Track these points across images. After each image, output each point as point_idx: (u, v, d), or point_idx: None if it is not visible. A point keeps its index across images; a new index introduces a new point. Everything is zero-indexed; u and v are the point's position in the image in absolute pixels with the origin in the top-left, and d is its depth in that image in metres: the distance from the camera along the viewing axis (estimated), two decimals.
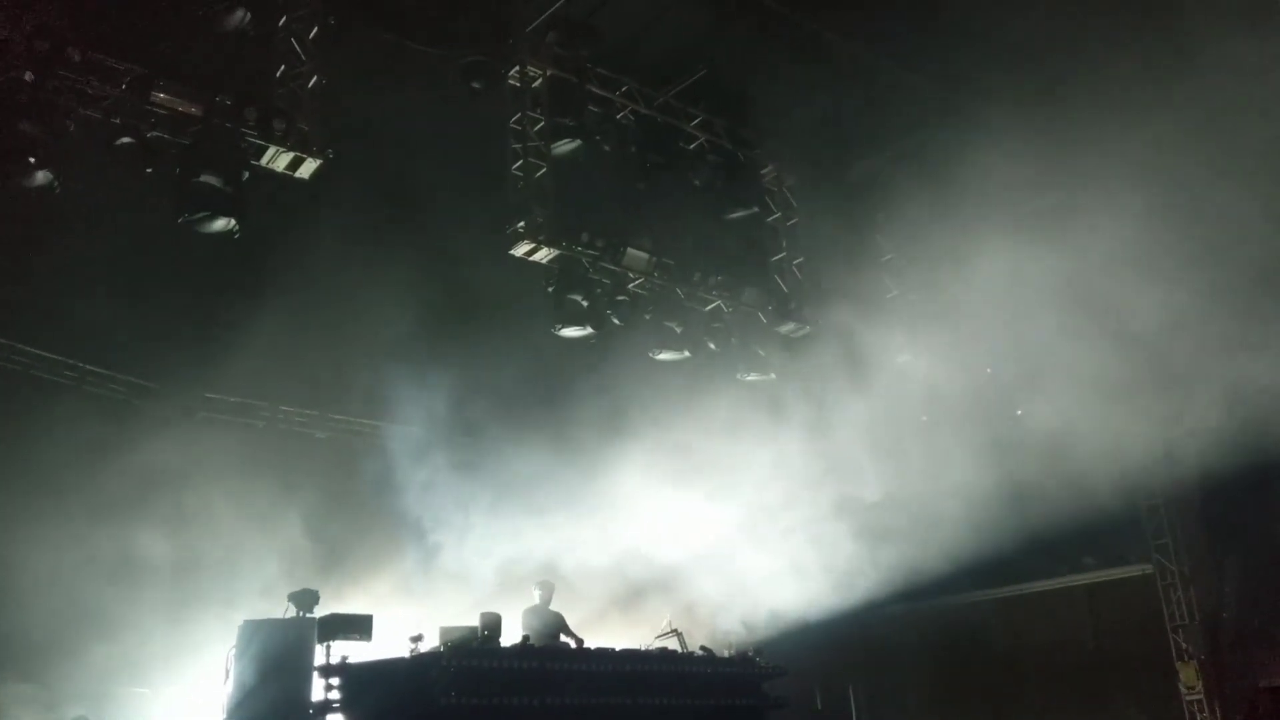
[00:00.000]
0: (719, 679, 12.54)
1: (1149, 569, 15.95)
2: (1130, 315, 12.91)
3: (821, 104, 13.58)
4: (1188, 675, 15.09)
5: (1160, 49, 11.36)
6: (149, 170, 10.44)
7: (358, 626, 10.39)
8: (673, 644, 12.70)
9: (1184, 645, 15.25)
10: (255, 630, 10.30)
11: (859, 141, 14.64)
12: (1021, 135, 13.19)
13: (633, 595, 13.92)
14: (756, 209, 14.97)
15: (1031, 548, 15.30)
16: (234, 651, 10.24)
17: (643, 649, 12.25)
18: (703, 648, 12.79)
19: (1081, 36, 12.02)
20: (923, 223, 15.59)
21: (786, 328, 15.05)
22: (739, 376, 15.01)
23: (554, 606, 12.17)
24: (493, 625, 10.95)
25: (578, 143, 13.06)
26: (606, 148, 13.44)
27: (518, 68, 12.80)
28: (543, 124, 12.93)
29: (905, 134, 14.77)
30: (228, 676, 10.22)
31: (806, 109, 13.62)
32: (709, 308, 14.88)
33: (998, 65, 12.43)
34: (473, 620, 10.79)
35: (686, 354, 14.43)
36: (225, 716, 10.12)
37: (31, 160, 9.81)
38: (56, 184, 9.97)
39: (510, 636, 11.04)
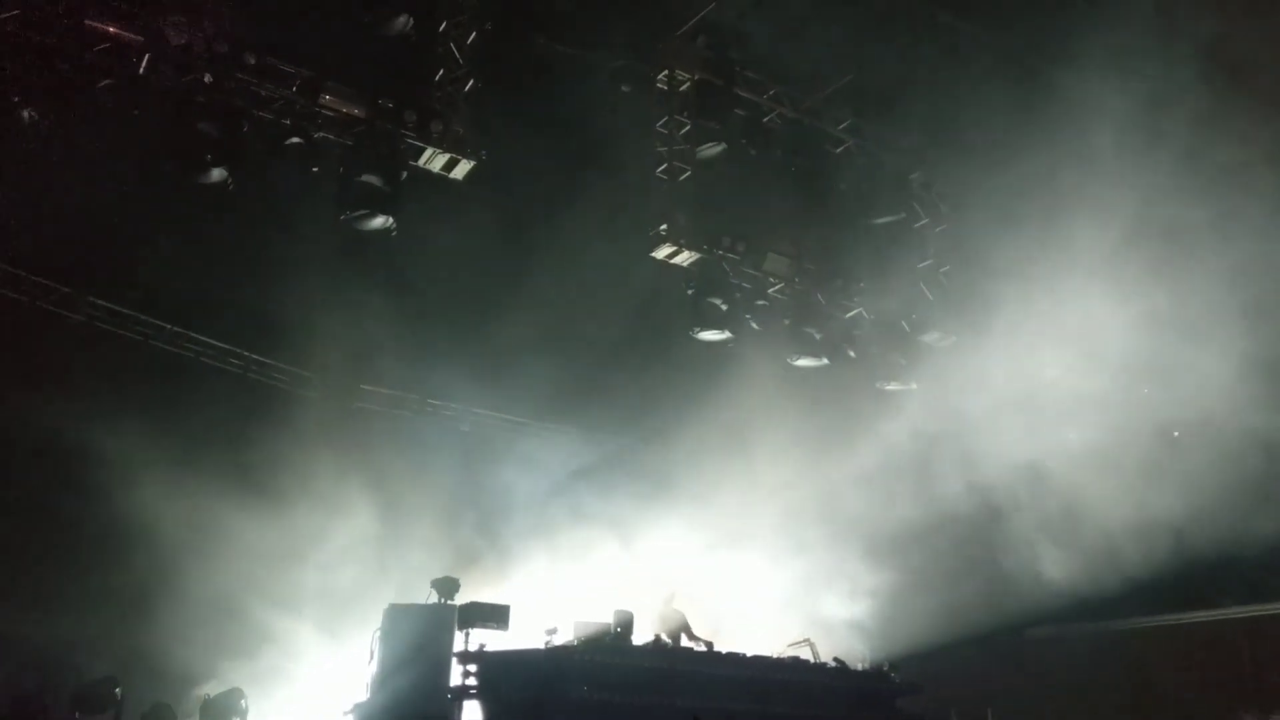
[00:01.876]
0: (852, 692, 12.35)
1: None
2: None
3: (974, 107, 13.22)
4: None
5: None
6: (315, 169, 10.93)
7: (495, 616, 10.65)
8: (804, 653, 12.56)
9: None
10: (400, 614, 10.66)
11: (1013, 145, 14.19)
12: (1194, 141, 12.63)
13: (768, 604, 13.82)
14: (904, 214, 14.65)
15: (1190, 576, 14.52)
16: (379, 633, 10.61)
17: (774, 657, 12.16)
18: (836, 659, 12.61)
19: None
20: (1080, 232, 15.04)
21: (930, 336, 14.70)
22: (879, 385, 14.75)
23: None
24: (626, 623, 11.07)
25: (723, 146, 13.06)
26: (752, 151, 13.38)
27: (666, 71, 12.90)
28: (689, 127, 12.98)
29: (1063, 138, 14.24)
30: (372, 657, 10.59)
31: (958, 112, 13.28)
32: (850, 314, 14.68)
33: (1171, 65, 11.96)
34: (606, 616, 10.93)
35: (825, 361, 14.25)
36: (369, 695, 10.48)
37: (209, 158, 10.41)
38: (230, 182, 10.54)
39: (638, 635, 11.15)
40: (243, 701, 11.63)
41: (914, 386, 14.79)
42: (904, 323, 14.84)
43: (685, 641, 11.84)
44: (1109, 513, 13.71)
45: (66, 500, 11.61)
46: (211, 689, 11.68)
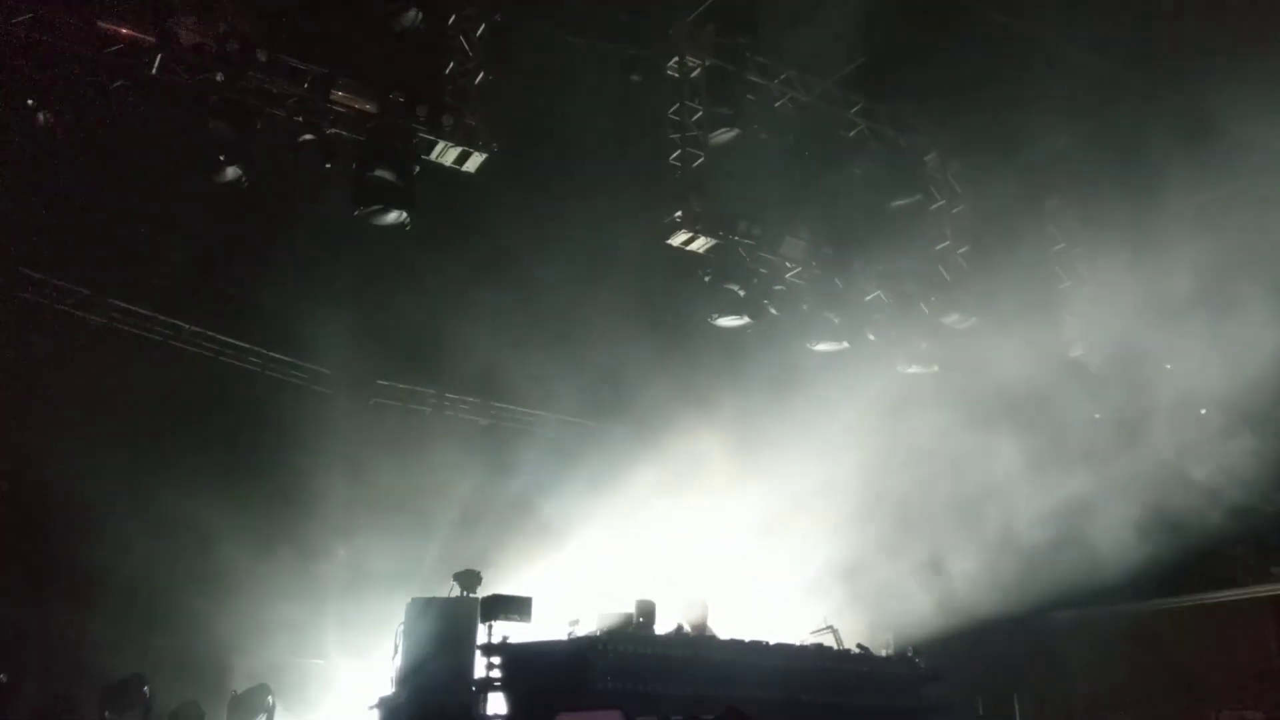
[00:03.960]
0: (875, 678, 12.34)
1: None
2: None
3: (989, 87, 13.07)
4: None
5: None
6: (328, 165, 10.92)
7: (518, 608, 10.67)
8: (828, 640, 12.56)
9: None
10: (423, 608, 10.71)
11: (1029, 125, 14.04)
12: (1210, 118, 12.48)
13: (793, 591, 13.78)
14: (920, 196, 14.43)
15: (1213, 555, 14.40)
16: (402, 627, 10.66)
17: (797, 644, 12.15)
18: (859, 645, 12.60)
19: None
20: (1097, 210, 14.92)
21: (950, 318, 14.55)
22: (899, 368, 14.64)
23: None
24: (648, 612, 11.08)
25: (736, 132, 12.95)
26: (764, 136, 13.26)
27: (676, 58, 12.81)
28: (701, 114, 12.89)
29: (1079, 117, 14.09)
30: (397, 650, 10.64)
31: (973, 92, 13.13)
32: (869, 298, 14.57)
33: (1185, 44, 11.80)
34: (629, 606, 10.95)
35: (845, 345, 14.15)
36: (394, 688, 10.54)
37: (222, 158, 10.42)
38: (244, 180, 10.56)
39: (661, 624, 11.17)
40: (269, 698, 11.74)
41: (935, 369, 14.68)
42: (923, 305, 14.73)
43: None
44: (1133, 492, 13.59)
45: (90, 502, 11.68)
46: (239, 685, 11.79)
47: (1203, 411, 14.87)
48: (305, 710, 12.18)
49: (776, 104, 13.40)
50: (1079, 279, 15.37)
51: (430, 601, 10.80)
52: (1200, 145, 12.85)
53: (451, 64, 11.55)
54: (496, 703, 10.43)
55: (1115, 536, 13.61)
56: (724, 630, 11.79)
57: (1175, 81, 12.77)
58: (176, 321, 13.60)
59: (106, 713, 10.94)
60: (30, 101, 9.91)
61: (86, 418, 11.99)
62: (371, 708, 10.71)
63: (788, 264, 13.81)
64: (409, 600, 10.81)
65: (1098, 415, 15.19)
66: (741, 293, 13.13)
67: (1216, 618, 16.17)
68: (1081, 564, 13.77)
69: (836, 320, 14.11)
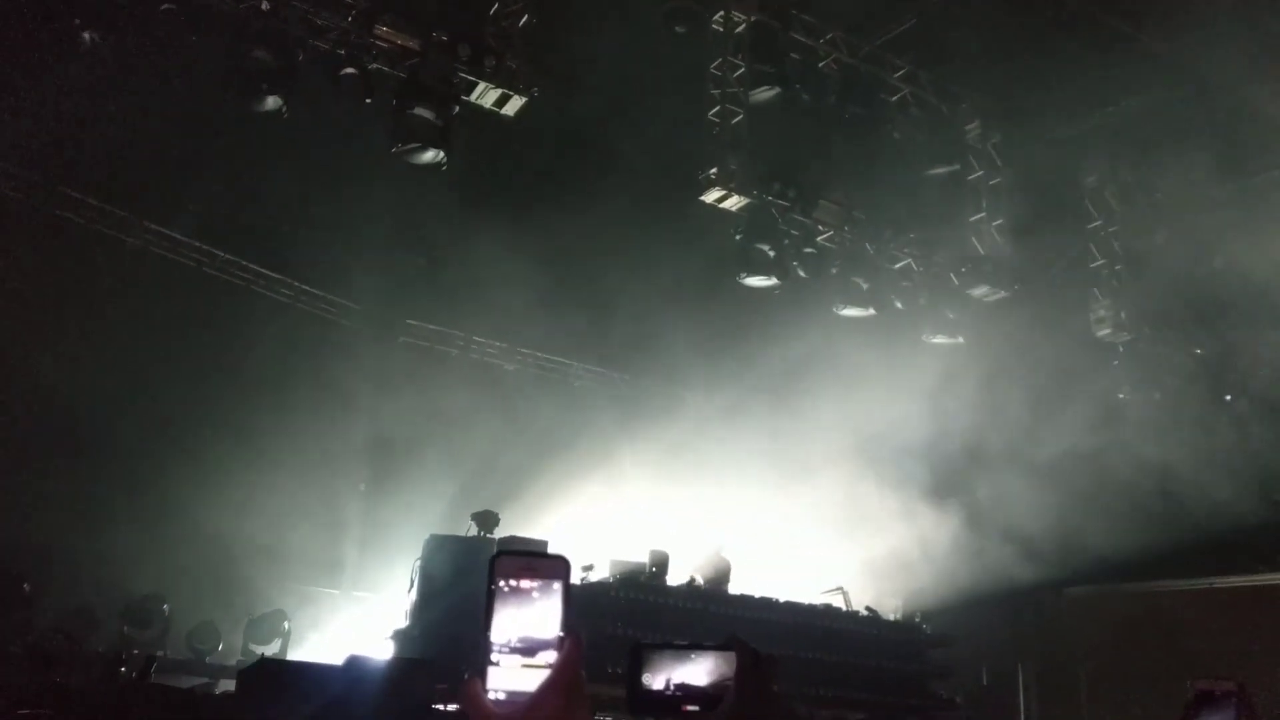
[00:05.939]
0: (882, 641, 12.48)
1: None
2: None
3: (1035, 58, 12.90)
4: None
5: None
6: (368, 100, 10.92)
7: (533, 550, 10.78)
8: (838, 601, 12.68)
9: None
10: (439, 544, 10.85)
11: (1073, 100, 13.85)
12: (1258, 104, 12.31)
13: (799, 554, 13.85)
14: (957, 166, 14.34)
15: (1231, 540, 14.37)
16: (419, 563, 10.82)
17: (806, 604, 12.28)
18: (868, 608, 12.72)
19: None
20: (1136, 190, 14.78)
21: (979, 291, 14.46)
22: (924, 338, 14.60)
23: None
24: (661, 563, 11.23)
25: (777, 90, 12.82)
26: (806, 97, 13.12)
27: (722, 12, 12.69)
28: (743, 70, 12.78)
29: (1125, 95, 13.89)
30: (412, 585, 10.80)
31: (1019, 63, 12.97)
32: (899, 265, 14.50)
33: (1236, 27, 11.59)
34: (642, 556, 11.07)
35: (871, 311, 14.10)
36: (408, 621, 10.71)
37: (264, 86, 10.43)
38: (285, 110, 10.57)
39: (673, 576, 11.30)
40: (286, 623, 11.98)
41: (960, 340, 14.63)
42: (953, 276, 14.64)
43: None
44: (1155, 473, 13.57)
45: (116, 420, 11.85)
46: (255, 610, 12.01)
47: (1228, 398, 14.83)
48: (320, 638, 12.39)
49: (820, 64, 13.26)
50: (1112, 258, 15.24)
51: (447, 539, 10.94)
52: (1247, 130, 12.69)
53: (496, 6, 11.49)
54: None
55: (1130, 516, 13.61)
56: (736, 585, 11.92)
57: (1228, 66, 12.55)
58: (212, 249, 13.67)
59: (126, 628, 11.18)
60: (77, 20, 9.94)
61: (115, 338, 12.10)
62: (386, 638, 10.90)
63: (820, 227, 13.75)
64: (427, 536, 10.95)
65: (1122, 395, 15.15)
66: (772, 253, 13.08)
67: (1232, 603, 16.15)
68: (1094, 541, 13.79)
69: (865, 286, 14.04)
